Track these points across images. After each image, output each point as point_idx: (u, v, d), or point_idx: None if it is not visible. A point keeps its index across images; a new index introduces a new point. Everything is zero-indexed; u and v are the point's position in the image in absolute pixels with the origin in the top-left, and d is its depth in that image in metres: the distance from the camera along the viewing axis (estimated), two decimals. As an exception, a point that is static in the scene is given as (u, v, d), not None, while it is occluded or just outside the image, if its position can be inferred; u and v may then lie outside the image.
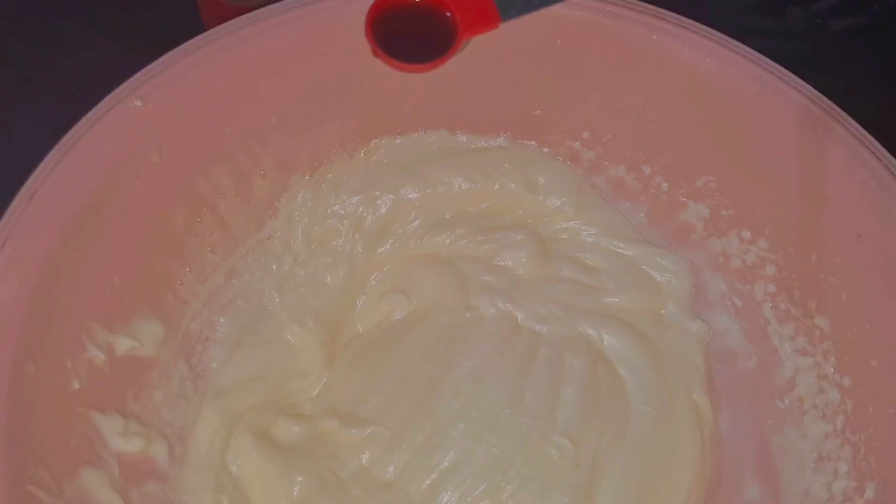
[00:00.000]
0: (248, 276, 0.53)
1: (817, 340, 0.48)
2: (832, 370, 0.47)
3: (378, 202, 0.55)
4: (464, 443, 0.48)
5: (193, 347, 0.50)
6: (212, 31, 0.46)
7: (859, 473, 0.44)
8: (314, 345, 0.53)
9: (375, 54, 0.38)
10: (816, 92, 0.46)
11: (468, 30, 0.37)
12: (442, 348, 0.52)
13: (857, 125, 0.45)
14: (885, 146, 0.45)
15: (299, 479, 0.47)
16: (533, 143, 0.56)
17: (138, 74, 0.44)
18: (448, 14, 0.37)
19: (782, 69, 0.47)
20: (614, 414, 0.50)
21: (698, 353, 0.53)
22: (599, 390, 0.51)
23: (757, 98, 0.47)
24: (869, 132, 0.45)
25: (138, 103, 0.44)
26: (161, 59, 0.45)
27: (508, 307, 0.54)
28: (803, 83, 0.47)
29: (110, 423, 0.43)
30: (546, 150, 0.56)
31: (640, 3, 0.49)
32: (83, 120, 0.42)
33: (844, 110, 0.46)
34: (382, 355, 0.52)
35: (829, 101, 0.46)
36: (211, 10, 0.62)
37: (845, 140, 0.45)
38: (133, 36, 0.67)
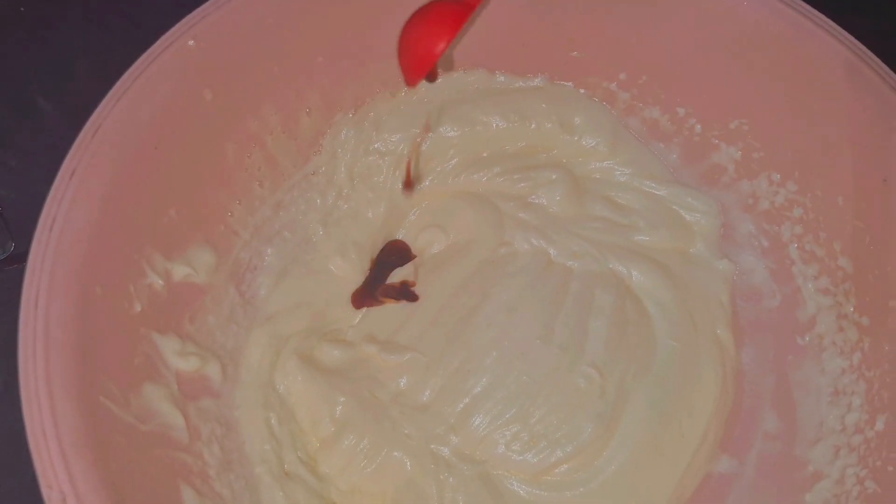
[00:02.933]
0: (294, 208, 0.56)
1: (839, 281, 0.50)
2: (852, 310, 0.49)
3: (418, 140, 0.57)
4: (496, 370, 0.51)
5: (243, 275, 0.53)
6: (260, -28, 0.47)
7: (871, 407, 0.46)
8: (356, 275, 0.56)
9: None
10: (850, 37, 0.47)
11: None
12: (477, 281, 0.55)
13: (889, 71, 0.46)
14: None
15: (341, 399, 0.50)
16: (570, 84, 0.57)
17: (191, 14, 0.46)
18: None
19: (818, 13, 0.48)
20: (640, 347, 0.52)
21: (724, 291, 0.55)
22: (627, 324, 0.53)
23: (792, 43, 0.48)
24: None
25: (192, 43, 0.46)
26: (213, 0, 0.47)
27: (542, 243, 0.56)
28: (838, 28, 0.47)
29: (169, 344, 0.46)
30: (582, 91, 0.57)
31: (678, -54, 0.49)
32: (140, 59, 0.45)
33: (881, 53, 0.47)
34: (420, 286, 0.55)
35: (862, 47, 0.46)
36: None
37: (876, 86, 0.46)
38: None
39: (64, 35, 0.68)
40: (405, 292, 0.55)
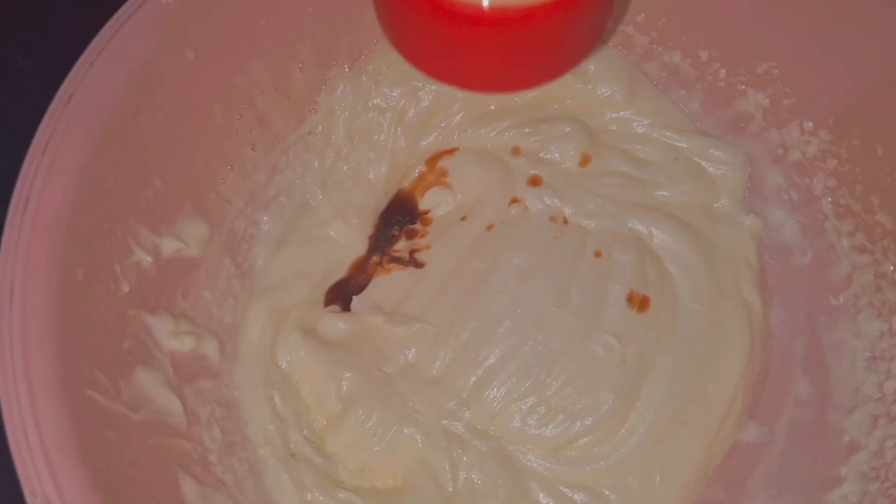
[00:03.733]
0: (290, 172, 0.52)
1: (877, 238, 0.47)
2: (892, 268, 0.46)
3: (420, 94, 0.54)
4: (510, 340, 0.48)
5: (238, 246, 0.50)
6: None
7: (913, 375, 0.44)
8: (358, 240, 0.53)
9: None
10: (891, -31, 0.43)
11: None
12: (488, 244, 0.51)
13: (935, 6, 0.42)
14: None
15: (347, 374, 0.48)
16: (582, 28, 0.53)
17: (167, -34, 0.42)
18: None
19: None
20: (662, 311, 0.49)
21: (751, 249, 0.52)
22: (648, 287, 0.50)
23: (826, -23, 0.44)
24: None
25: (168, -2, 0.42)
26: (190, -50, 0.43)
27: (555, 202, 0.53)
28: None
29: (161, 324, 0.44)
30: (596, 35, 0.53)
31: None
32: (113, 19, 0.41)
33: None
34: (427, 251, 0.52)
35: (906, -20, 0.42)
36: None
37: (923, 23, 0.42)
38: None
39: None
40: (411, 258, 0.52)
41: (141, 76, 0.42)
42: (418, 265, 0.52)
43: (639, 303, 0.49)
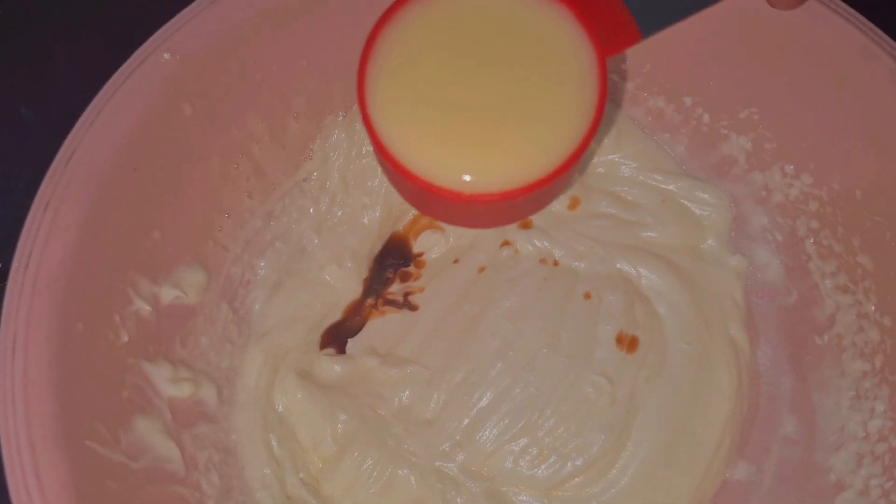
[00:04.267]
0: (286, 218, 0.53)
1: (859, 278, 0.47)
2: (873, 309, 0.47)
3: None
4: (502, 382, 0.49)
5: (236, 291, 0.51)
6: (236, -23, 0.45)
7: (896, 414, 0.45)
8: (353, 283, 0.54)
9: None
10: (865, 20, 0.44)
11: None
12: (479, 287, 0.52)
13: (909, 57, 0.43)
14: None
15: (342, 417, 0.49)
16: (569, 75, 0.54)
17: (165, 26, 0.44)
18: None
19: (832, -4, 0.45)
20: (651, 351, 0.50)
21: (737, 289, 0.53)
22: (637, 328, 0.51)
23: (802, 27, 0.45)
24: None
25: (167, 56, 0.43)
26: (186, 10, 0.44)
27: (546, 244, 0.54)
28: (852, 11, 0.44)
29: (160, 371, 0.45)
30: (583, 81, 0.54)
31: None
32: (114, 77, 0.42)
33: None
34: (421, 294, 0.53)
35: (878, 30, 0.44)
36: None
37: (894, 71, 0.43)
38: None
39: (45, 39, 0.65)
40: (406, 301, 0.53)
41: (140, 133, 0.43)
42: (412, 308, 0.53)
43: (628, 343, 0.50)
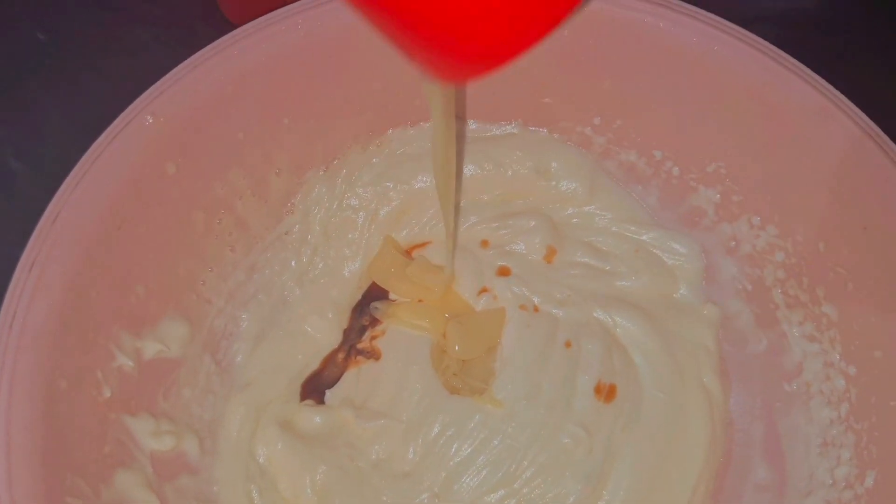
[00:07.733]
0: (269, 270, 0.55)
1: (824, 328, 0.49)
2: (838, 357, 0.48)
3: (391, 194, 0.56)
4: (480, 434, 0.50)
5: (218, 343, 0.52)
6: (217, 42, 0.46)
7: (861, 461, 0.45)
8: (333, 334, 0.55)
9: None
10: (824, 81, 0.46)
11: None
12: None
13: (863, 116, 0.45)
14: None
15: (322, 468, 0.49)
16: (544, 130, 0.56)
17: (149, 90, 0.45)
18: None
19: (790, 58, 0.47)
20: (627, 400, 0.51)
21: (710, 338, 0.54)
22: (614, 376, 0.52)
23: (764, 87, 0.47)
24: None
25: (150, 119, 0.45)
26: (170, 74, 0.46)
27: (524, 291, 0.55)
28: (811, 72, 0.46)
29: (142, 425, 0.45)
30: (557, 136, 0.56)
31: (646, -9, 0.48)
32: (99, 140, 0.44)
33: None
34: (395, 344, 0.54)
35: (837, 92, 0.45)
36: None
37: (851, 132, 0.45)
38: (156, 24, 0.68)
39: (35, 93, 0.67)
40: (372, 349, 0.54)
41: (124, 192, 0.44)
42: (376, 357, 0.54)
43: (606, 393, 0.51)
